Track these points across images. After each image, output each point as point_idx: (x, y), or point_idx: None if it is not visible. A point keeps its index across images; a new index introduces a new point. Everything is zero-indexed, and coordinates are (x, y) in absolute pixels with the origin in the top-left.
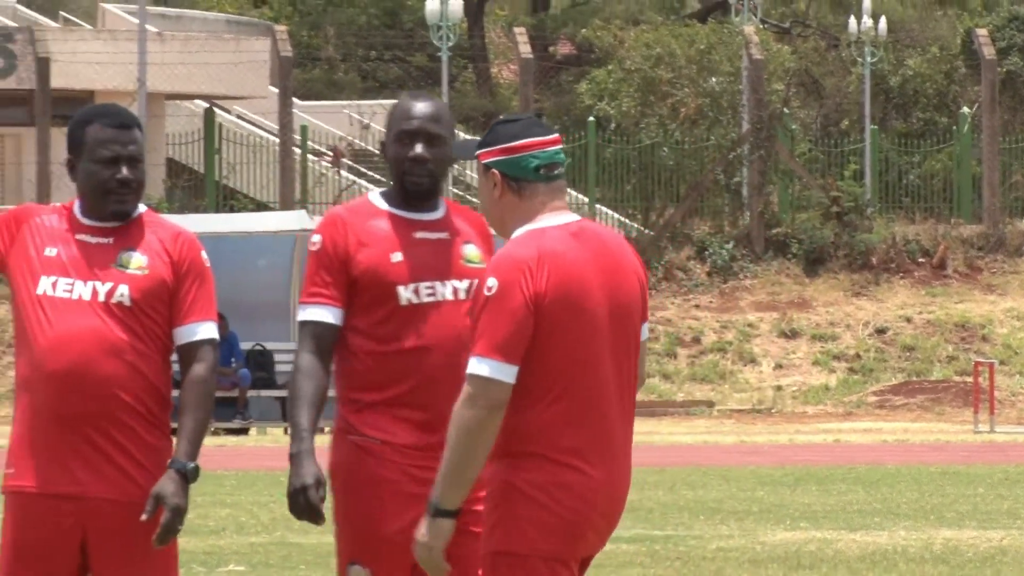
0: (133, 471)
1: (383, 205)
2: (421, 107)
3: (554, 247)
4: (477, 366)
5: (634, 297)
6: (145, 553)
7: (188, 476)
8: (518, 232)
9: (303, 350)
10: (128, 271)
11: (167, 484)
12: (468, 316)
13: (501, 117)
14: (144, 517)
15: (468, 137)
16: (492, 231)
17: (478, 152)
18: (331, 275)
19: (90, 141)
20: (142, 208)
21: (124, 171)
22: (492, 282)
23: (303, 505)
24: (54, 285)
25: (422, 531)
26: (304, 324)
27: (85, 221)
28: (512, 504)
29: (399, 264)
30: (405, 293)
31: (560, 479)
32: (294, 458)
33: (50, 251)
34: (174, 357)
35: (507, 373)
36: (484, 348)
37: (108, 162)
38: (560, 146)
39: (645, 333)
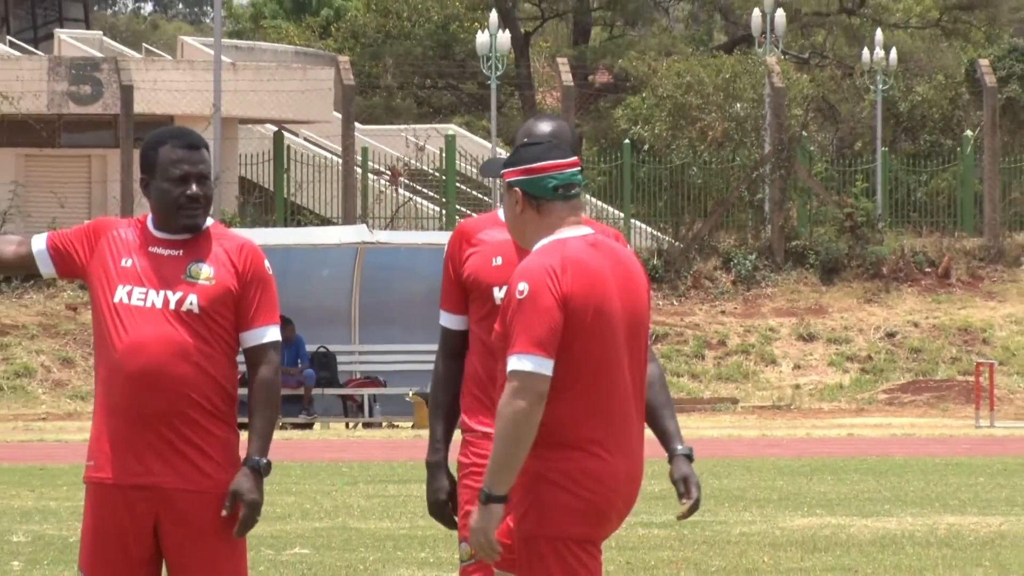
0: (201, 462)
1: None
2: (544, 127)
3: (576, 255)
4: (519, 362)
5: (644, 305)
6: (214, 537)
7: (262, 472)
8: (540, 243)
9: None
10: (197, 282)
11: (243, 481)
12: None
13: (525, 141)
14: (224, 513)
15: (496, 157)
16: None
17: (503, 171)
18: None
19: (162, 161)
20: (210, 221)
21: (194, 188)
22: (523, 286)
23: (437, 516)
24: (129, 294)
25: (475, 517)
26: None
27: (157, 234)
28: (541, 491)
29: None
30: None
31: (584, 467)
32: (428, 468)
33: (126, 262)
34: (240, 357)
35: (546, 366)
36: (524, 345)
37: (179, 180)
38: (578, 167)
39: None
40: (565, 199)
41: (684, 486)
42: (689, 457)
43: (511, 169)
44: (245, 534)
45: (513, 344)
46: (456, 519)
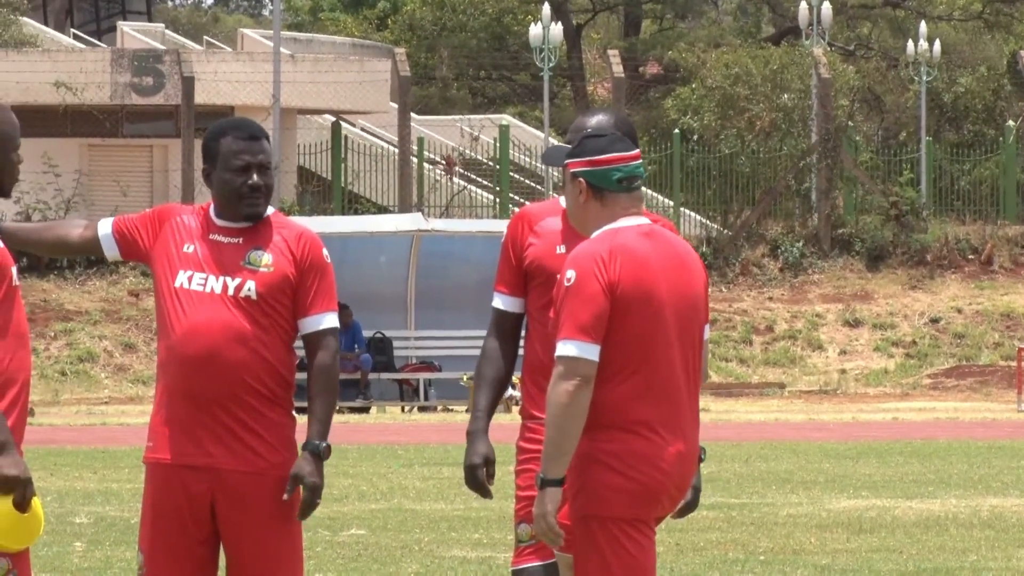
0: (257, 444)
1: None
2: (603, 120)
3: (625, 242)
4: (564, 347)
5: (698, 295)
6: (269, 518)
7: (321, 455)
8: (597, 232)
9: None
10: (256, 269)
11: (303, 465)
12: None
13: (589, 131)
14: (285, 497)
15: (559, 144)
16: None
17: (567, 161)
18: None
19: (224, 152)
20: (270, 210)
21: (255, 177)
22: (571, 273)
23: (471, 482)
24: (190, 279)
25: (536, 502)
26: None
27: (218, 222)
28: (592, 472)
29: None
30: None
31: (633, 448)
32: (468, 436)
33: (188, 248)
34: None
35: (591, 351)
36: (569, 331)
37: (241, 170)
38: (640, 160)
39: (707, 333)
40: (627, 191)
41: None
42: (700, 458)
43: (576, 160)
44: (307, 517)
45: (560, 330)
46: (488, 487)
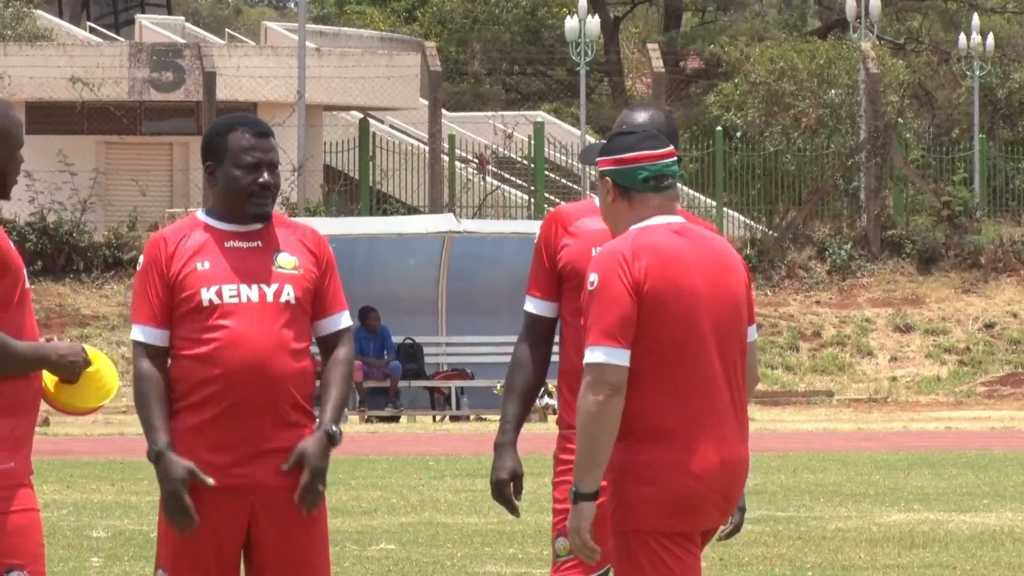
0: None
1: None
2: (639, 116)
3: (652, 240)
4: (591, 354)
5: (737, 294)
6: (304, 529)
7: (333, 439)
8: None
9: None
10: (287, 271)
11: (311, 444)
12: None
13: (621, 129)
14: (284, 467)
15: (596, 142)
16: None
17: (598, 159)
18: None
19: (232, 148)
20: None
21: (265, 175)
22: (593, 277)
23: (498, 498)
24: (219, 293)
25: (570, 517)
26: None
27: (229, 227)
28: (627, 484)
29: None
30: None
31: (666, 458)
32: (495, 449)
33: (202, 265)
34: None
35: (620, 357)
36: (595, 337)
37: (251, 167)
38: (673, 158)
39: (753, 335)
40: (657, 191)
41: None
42: None
43: (604, 158)
44: (309, 503)
45: (587, 336)
46: (516, 504)
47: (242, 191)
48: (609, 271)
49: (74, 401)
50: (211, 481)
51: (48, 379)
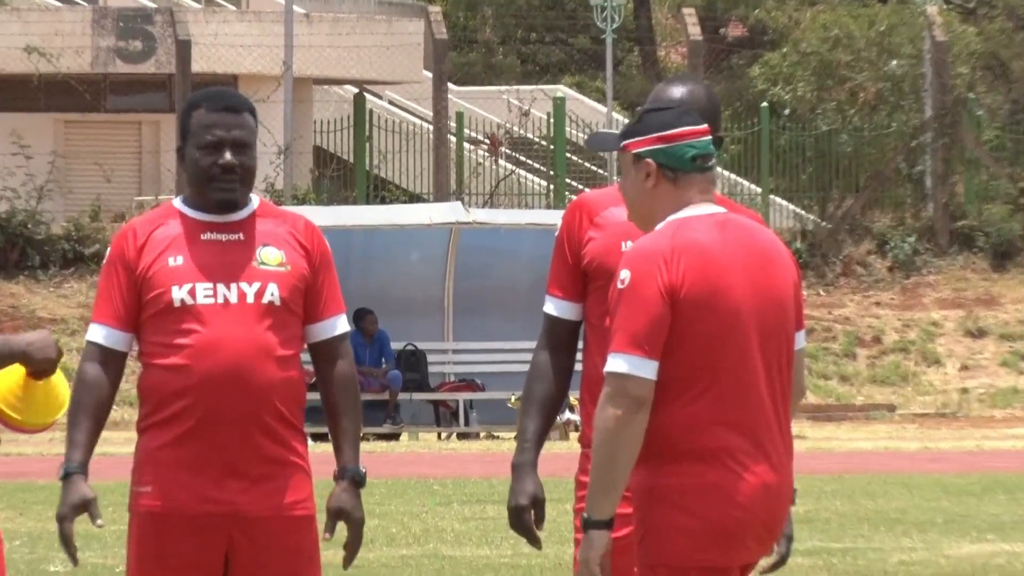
0: (280, 481)
1: None
2: (680, 93)
3: (692, 236)
4: (614, 363)
5: (785, 296)
6: (291, 562)
7: (362, 482)
8: (661, 224)
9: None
10: (272, 268)
11: (346, 498)
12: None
13: (648, 106)
14: (328, 536)
15: (604, 131)
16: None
17: (627, 142)
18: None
19: (194, 126)
20: (256, 199)
21: (227, 156)
22: (625, 274)
23: (517, 526)
24: (192, 293)
25: (580, 548)
26: None
27: (205, 218)
28: (660, 512)
29: None
30: None
31: (705, 481)
32: (513, 470)
33: (174, 260)
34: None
35: (647, 368)
36: (621, 343)
37: (211, 147)
38: (710, 136)
39: (801, 341)
40: (702, 171)
41: None
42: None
43: (639, 139)
44: (353, 561)
45: (611, 342)
46: (537, 532)
47: (202, 174)
48: (643, 269)
49: (30, 417)
50: (101, 522)
51: None
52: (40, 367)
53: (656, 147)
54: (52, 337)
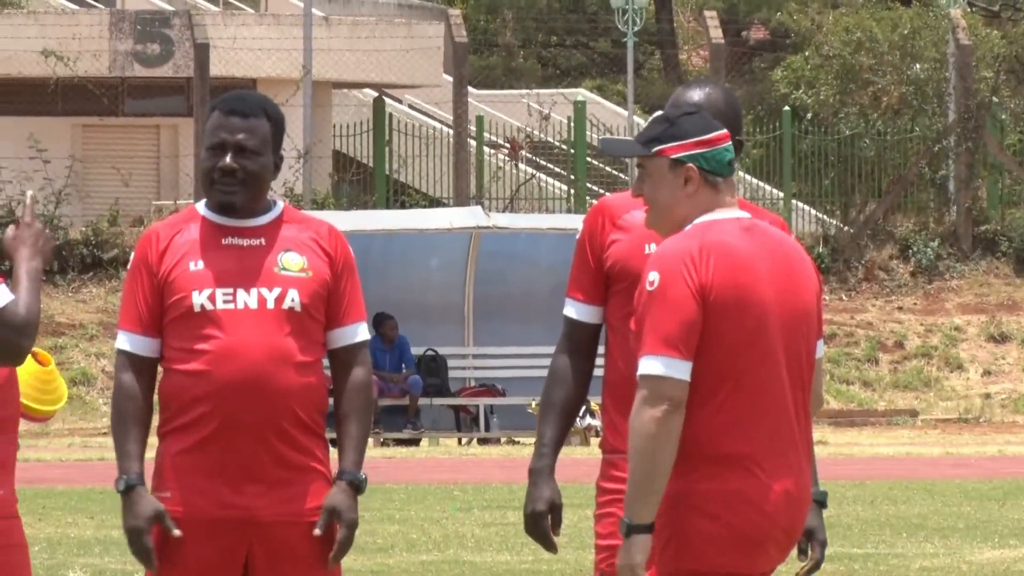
0: (300, 487)
1: None
2: (700, 97)
3: (721, 238)
4: (648, 365)
5: (809, 303)
6: (311, 567)
7: (360, 488)
8: (688, 227)
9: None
10: (293, 274)
11: (341, 498)
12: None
13: (678, 111)
14: (318, 532)
15: (614, 137)
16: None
17: (663, 147)
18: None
19: (207, 129)
20: (281, 204)
21: (227, 159)
22: (654, 276)
23: (534, 532)
24: (211, 298)
25: (620, 553)
26: None
27: (227, 222)
28: (683, 517)
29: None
30: None
31: (730, 487)
32: (530, 475)
33: (195, 265)
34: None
35: (681, 369)
36: (653, 345)
37: (215, 150)
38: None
39: (821, 350)
40: (729, 175)
41: (807, 540)
42: (822, 503)
43: (677, 143)
44: (341, 559)
45: (643, 344)
46: (554, 538)
47: (205, 176)
48: (673, 271)
49: (42, 402)
50: (178, 532)
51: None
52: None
53: (696, 152)
54: (37, 225)
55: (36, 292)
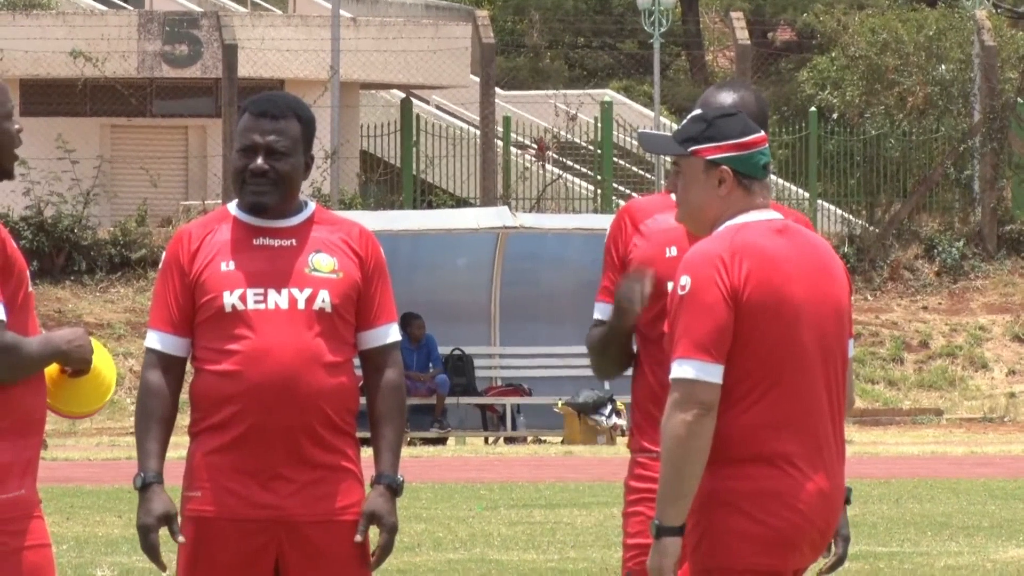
0: (331, 486)
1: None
2: (729, 98)
3: (753, 240)
4: (680, 369)
5: (841, 304)
6: (343, 568)
7: (397, 491)
8: (718, 229)
9: None
10: (324, 275)
11: (381, 502)
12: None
13: (714, 111)
14: (359, 538)
15: (655, 131)
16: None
17: (698, 148)
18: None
19: (238, 130)
20: (312, 204)
21: (258, 161)
22: (685, 280)
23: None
24: (243, 298)
25: (651, 555)
26: None
27: (258, 223)
28: (717, 515)
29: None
30: None
31: (765, 486)
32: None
33: (226, 265)
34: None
35: (713, 373)
36: (686, 349)
37: (246, 152)
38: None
39: (852, 350)
40: (765, 178)
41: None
42: (846, 500)
43: (714, 145)
44: (382, 563)
45: (675, 348)
46: None
47: (236, 177)
48: (704, 275)
49: (72, 406)
50: (182, 539)
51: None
52: (76, 367)
53: (731, 154)
54: (84, 330)
55: (41, 347)
